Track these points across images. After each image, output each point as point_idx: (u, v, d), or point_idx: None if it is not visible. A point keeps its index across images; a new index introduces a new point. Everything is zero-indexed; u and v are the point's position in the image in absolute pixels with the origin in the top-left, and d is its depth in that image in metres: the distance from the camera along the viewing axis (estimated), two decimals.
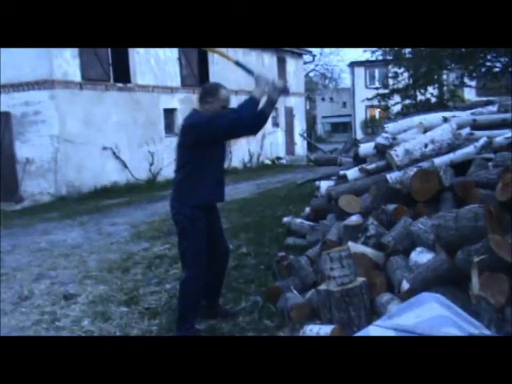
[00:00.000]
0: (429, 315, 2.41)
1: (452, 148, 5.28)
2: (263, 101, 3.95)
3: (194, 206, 4.00)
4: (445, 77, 17.91)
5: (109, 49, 15.25)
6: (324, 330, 3.37)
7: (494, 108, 6.61)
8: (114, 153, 15.39)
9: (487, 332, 2.51)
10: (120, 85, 15.89)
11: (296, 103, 26.92)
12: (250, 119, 3.89)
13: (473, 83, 16.05)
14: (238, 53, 21.45)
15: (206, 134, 3.92)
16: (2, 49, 13.44)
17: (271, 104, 3.95)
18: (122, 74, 15.99)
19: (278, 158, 23.83)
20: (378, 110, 30.13)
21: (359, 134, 31.00)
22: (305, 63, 32.76)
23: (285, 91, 4.07)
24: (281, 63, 25.38)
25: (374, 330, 2.45)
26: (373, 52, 16.25)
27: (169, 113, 17.83)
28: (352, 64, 36.54)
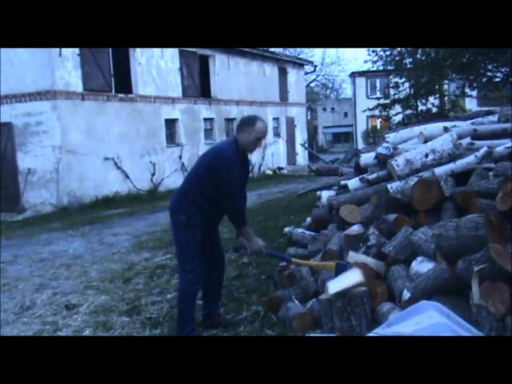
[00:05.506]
0: (428, 323, 2.42)
1: (452, 157, 5.30)
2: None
3: (192, 214, 4.12)
4: (446, 87, 17.99)
5: (111, 60, 15.31)
6: None
7: (494, 118, 6.63)
8: (116, 163, 15.41)
9: None
10: (121, 95, 15.94)
11: (298, 113, 27.00)
12: (235, 211, 4.14)
13: (474, 93, 16.10)
14: (240, 64, 21.61)
15: (210, 177, 4.05)
16: (5, 61, 13.55)
17: (238, 228, 4.22)
18: (124, 84, 16.05)
19: (280, 168, 23.86)
20: (380, 120, 30.27)
21: (360, 144, 31.02)
22: (306, 73, 32.93)
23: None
24: (283, 74, 25.46)
25: None
26: (374, 62, 16.33)
27: (170, 123, 17.87)
28: (353, 74, 36.56)
